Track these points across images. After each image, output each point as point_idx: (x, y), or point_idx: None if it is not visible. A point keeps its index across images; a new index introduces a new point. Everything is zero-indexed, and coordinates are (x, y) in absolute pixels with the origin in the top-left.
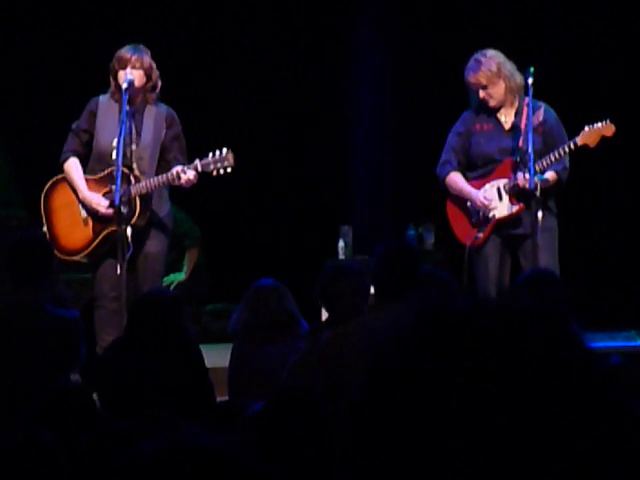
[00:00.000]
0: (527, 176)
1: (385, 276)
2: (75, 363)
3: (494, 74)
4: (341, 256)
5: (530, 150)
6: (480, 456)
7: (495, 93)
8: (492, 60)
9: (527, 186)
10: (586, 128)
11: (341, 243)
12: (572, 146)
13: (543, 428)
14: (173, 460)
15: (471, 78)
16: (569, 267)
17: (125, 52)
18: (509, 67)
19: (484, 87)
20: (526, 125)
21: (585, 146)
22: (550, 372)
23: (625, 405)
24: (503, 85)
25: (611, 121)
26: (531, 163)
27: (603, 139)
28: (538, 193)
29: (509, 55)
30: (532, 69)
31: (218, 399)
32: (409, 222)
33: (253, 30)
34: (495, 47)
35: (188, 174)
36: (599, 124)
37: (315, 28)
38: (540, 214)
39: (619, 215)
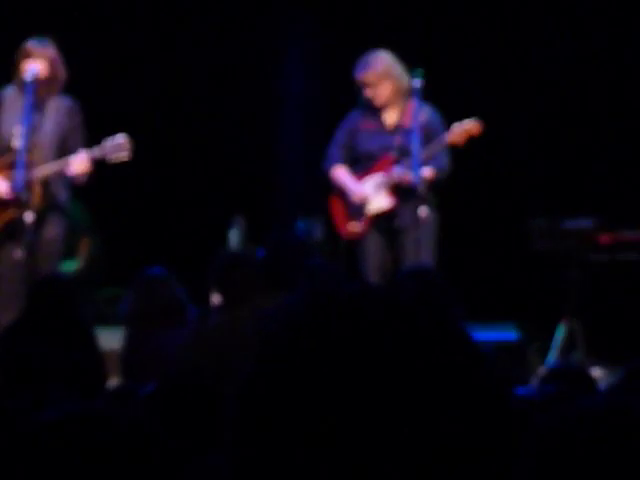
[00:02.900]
0: (407, 172)
1: (275, 265)
2: None
3: (381, 74)
4: (233, 245)
5: (415, 148)
6: (366, 435)
7: (381, 93)
8: (380, 60)
9: (408, 181)
10: (453, 126)
11: (233, 233)
12: (441, 144)
13: (427, 413)
14: (69, 425)
15: (359, 76)
16: (449, 259)
17: (29, 44)
18: (398, 68)
19: (370, 86)
20: (410, 124)
21: (454, 144)
22: (435, 358)
23: (506, 391)
24: (390, 86)
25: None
26: (415, 160)
27: (472, 138)
28: (421, 188)
29: (403, 56)
30: (421, 70)
31: (112, 381)
32: (299, 214)
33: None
34: (393, 48)
35: (75, 158)
36: (466, 122)
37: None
38: (421, 208)
39: (496, 211)
